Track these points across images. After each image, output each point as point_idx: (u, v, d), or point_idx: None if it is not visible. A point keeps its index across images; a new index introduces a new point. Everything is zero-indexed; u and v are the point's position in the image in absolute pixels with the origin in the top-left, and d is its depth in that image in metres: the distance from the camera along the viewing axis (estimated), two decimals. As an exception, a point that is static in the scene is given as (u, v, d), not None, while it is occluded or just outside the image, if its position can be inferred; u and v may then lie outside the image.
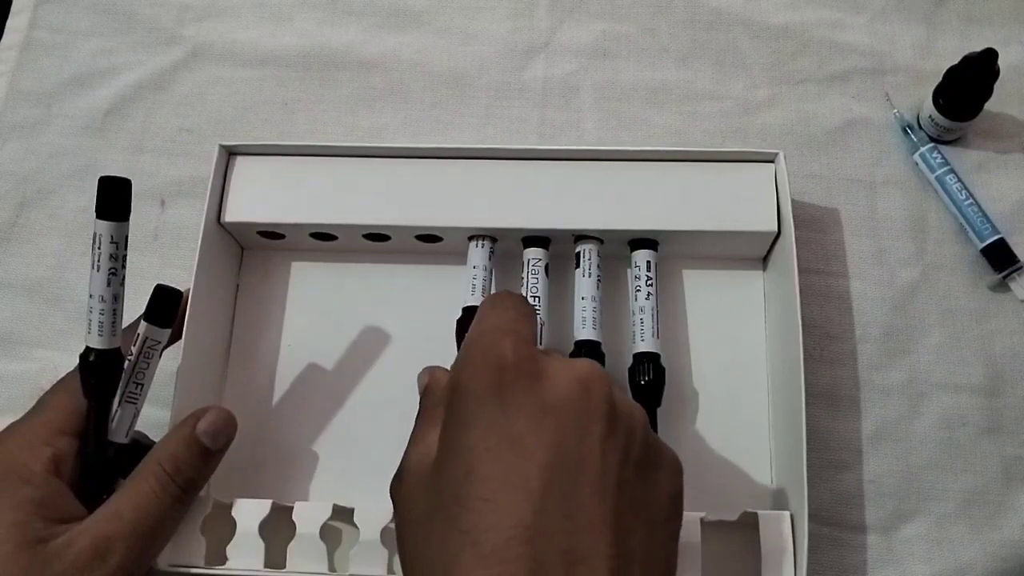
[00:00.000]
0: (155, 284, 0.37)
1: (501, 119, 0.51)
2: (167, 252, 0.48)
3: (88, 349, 0.35)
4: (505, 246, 0.44)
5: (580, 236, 0.43)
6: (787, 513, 0.39)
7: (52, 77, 0.53)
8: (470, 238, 0.44)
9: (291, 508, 0.40)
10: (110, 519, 0.34)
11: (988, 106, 0.47)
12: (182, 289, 0.38)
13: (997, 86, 0.46)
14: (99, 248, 0.34)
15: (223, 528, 0.40)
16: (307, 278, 0.47)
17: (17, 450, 0.35)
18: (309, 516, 0.40)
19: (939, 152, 0.47)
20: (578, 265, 0.43)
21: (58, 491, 0.35)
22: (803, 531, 0.37)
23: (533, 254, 0.43)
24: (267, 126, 0.51)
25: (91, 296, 0.35)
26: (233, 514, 0.40)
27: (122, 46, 0.53)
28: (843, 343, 0.45)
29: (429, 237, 0.44)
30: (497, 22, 0.53)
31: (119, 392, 0.37)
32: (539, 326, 0.37)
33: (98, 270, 0.34)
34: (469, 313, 0.42)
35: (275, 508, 0.40)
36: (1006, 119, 0.49)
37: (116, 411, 0.37)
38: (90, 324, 0.35)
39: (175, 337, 0.40)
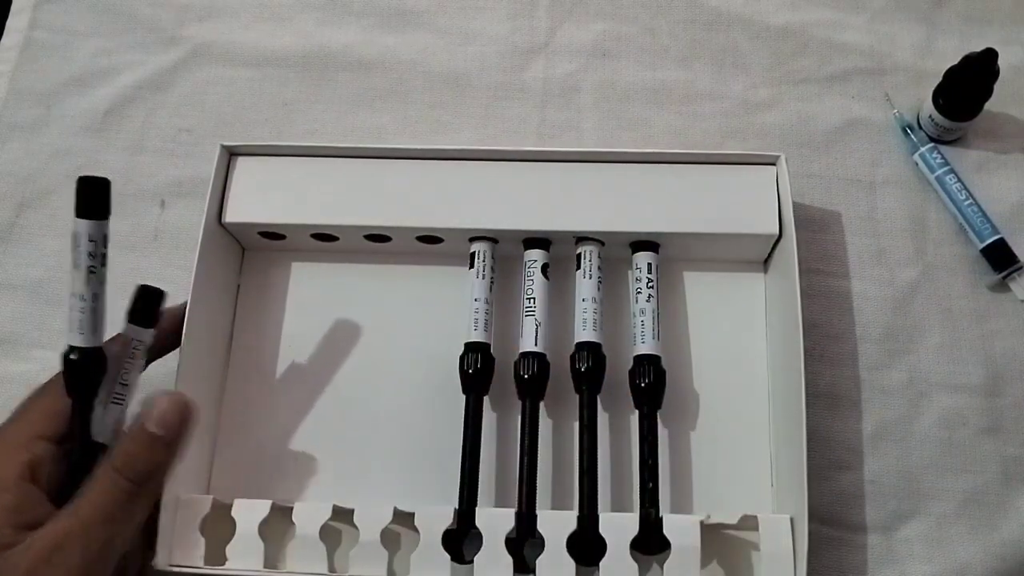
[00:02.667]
0: (138, 284, 0.37)
1: (501, 119, 0.51)
2: (167, 252, 0.48)
3: (70, 347, 0.35)
4: (506, 248, 0.44)
5: (581, 238, 0.43)
6: (787, 517, 0.39)
7: (52, 77, 0.53)
8: (471, 239, 0.44)
9: (291, 508, 0.40)
10: (67, 517, 0.34)
11: (988, 106, 0.47)
12: (180, 291, 0.38)
13: (997, 86, 0.46)
14: (79, 247, 0.34)
15: (223, 528, 0.40)
16: (307, 279, 0.47)
17: None
18: (309, 516, 0.40)
19: (939, 152, 0.47)
20: (579, 267, 0.43)
21: (32, 497, 0.35)
22: (803, 534, 0.37)
23: (533, 255, 0.43)
24: (267, 126, 0.51)
25: (72, 295, 0.35)
26: (233, 514, 0.40)
27: (122, 46, 0.53)
28: (843, 343, 0.45)
29: (430, 238, 0.44)
30: (497, 22, 0.53)
31: (105, 392, 0.36)
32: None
33: (79, 269, 0.34)
34: (470, 348, 0.42)
35: (275, 508, 0.40)
36: (1006, 119, 0.49)
37: (102, 411, 0.37)
38: (71, 322, 0.35)
39: (174, 344, 0.40)
